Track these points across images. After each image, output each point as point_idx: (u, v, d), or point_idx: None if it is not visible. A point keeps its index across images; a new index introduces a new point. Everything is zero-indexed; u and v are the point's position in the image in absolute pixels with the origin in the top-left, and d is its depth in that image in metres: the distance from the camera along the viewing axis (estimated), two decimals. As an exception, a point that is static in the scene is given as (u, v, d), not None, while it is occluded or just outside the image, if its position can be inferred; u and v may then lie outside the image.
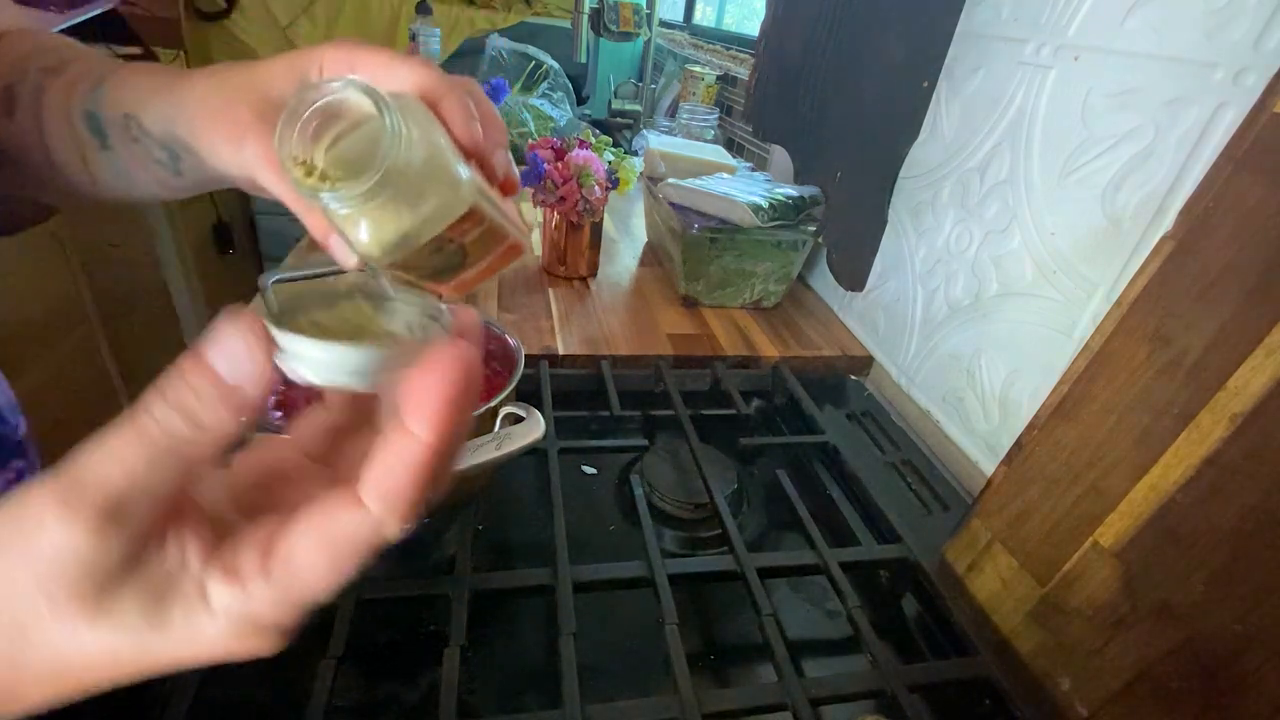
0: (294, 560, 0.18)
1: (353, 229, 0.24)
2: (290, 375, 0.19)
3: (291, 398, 0.43)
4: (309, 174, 0.23)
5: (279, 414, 0.41)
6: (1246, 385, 0.31)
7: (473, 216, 0.26)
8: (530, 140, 1.10)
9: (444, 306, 0.22)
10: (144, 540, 0.17)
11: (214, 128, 0.29)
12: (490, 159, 0.28)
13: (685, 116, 1.20)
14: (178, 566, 0.17)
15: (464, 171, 0.25)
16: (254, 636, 0.18)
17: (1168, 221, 0.42)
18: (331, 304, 0.23)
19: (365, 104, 0.23)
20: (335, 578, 0.18)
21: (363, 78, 0.23)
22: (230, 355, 0.18)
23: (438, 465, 0.18)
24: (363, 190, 0.22)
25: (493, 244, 0.28)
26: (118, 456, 0.17)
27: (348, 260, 0.27)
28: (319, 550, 0.18)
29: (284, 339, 0.18)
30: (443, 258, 0.26)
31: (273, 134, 0.26)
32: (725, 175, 0.86)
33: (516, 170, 0.29)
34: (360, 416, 0.23)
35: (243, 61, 0.30)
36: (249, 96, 0.28)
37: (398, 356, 0.19)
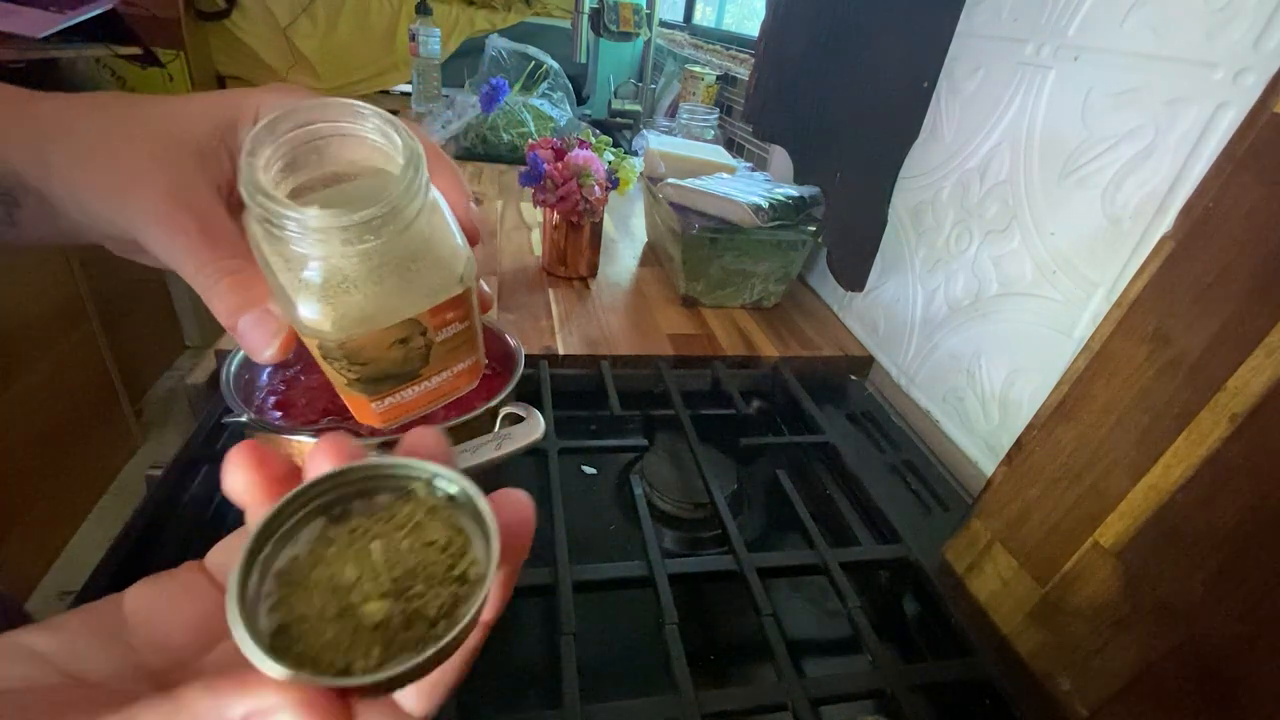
0: None
1: (302, 291, 0.18)
2: None
3: (291, 398, 0.43)
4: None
5: (278, 414, 0.41)
6: (1246, 385, 0.31)
7: (462, 304, 0.21)
8: (530, 140, 1.10)
9: (459, 481, 0.16)
10: None
11: (87, 168, 0.22)
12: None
13: (685, 116, 1.20)
14: None
15: (464, 247, 0.21)
16: None
17: (1168, 221, 0.42)
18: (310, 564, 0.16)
19: (375, 140, 0.19)
20: None
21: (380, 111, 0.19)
22: None
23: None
24: (360, 221, 0.17)
25: (460, 354, 0.23)
26: None
27: (266, 346, 0.21)
28: None
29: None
30: (402, 356, 0.21)
31: (171, 184, 0.20)
32: (725, 175, 0.86)
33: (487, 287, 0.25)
34: None
35: (146, 95, 0.24)
36: (148, 133, 0.22)
37: (472, 611, 0.15)
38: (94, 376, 1.43)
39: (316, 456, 0.17)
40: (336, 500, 0.17)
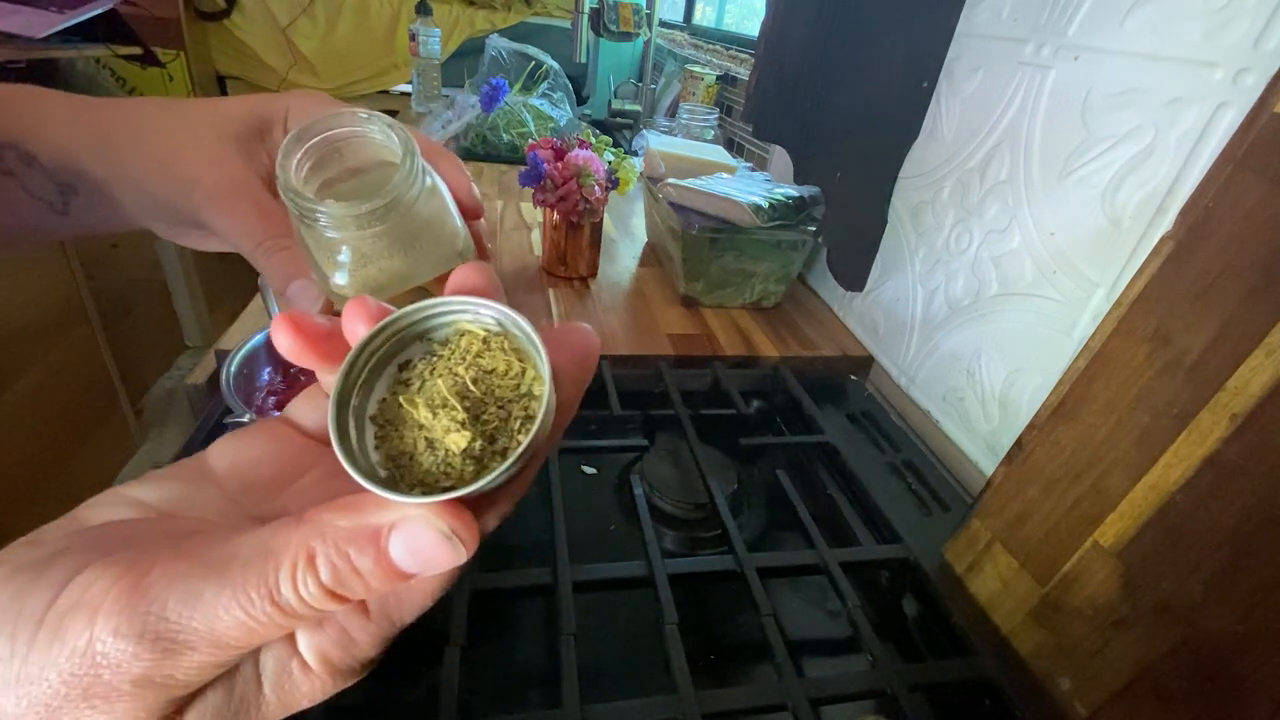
0: (398, 593, 0.17)
1: (332, 265, 0.22)
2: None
3: (291, 398, 0.43)
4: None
5: (279, 414, 0.41)
6: (1246, 385, 0.31)
7: None
8: (530, 140, 1.10)
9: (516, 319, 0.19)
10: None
11: (155, 162, 0.26)
12: (476, 228, 0.27)
13: (685, 116, 1.20)
14: (260, 649, 0.16)
15: (462, 227, 0.25)
16: (351, 676, 0.18)
17: (1168, 221, 0.42)
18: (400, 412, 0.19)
19: (380, 140, 0.22)
20: (435, 598, 0.18)
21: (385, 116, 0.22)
22: (417, 549, 0.15)
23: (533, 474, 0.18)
24: (368, 210, 0.21)
25: None
26: (235, 617, 0.14)
27: (311, 308, 0.25)
28: (424, 578, 0.17)
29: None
30: None
31: (229, 176, 0.25)
32: (725, 175, 0.86)
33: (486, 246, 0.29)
34: None
35: (191, 99, 0.28)
36: (203, 133, 0.26)
37: (550, 417, 0.17)
38: (94, 376, 1.43)
39: (350, 320, 0.19)
40: (398, 346, 0.19)
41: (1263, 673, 0.30)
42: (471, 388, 0.18)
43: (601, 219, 0.81)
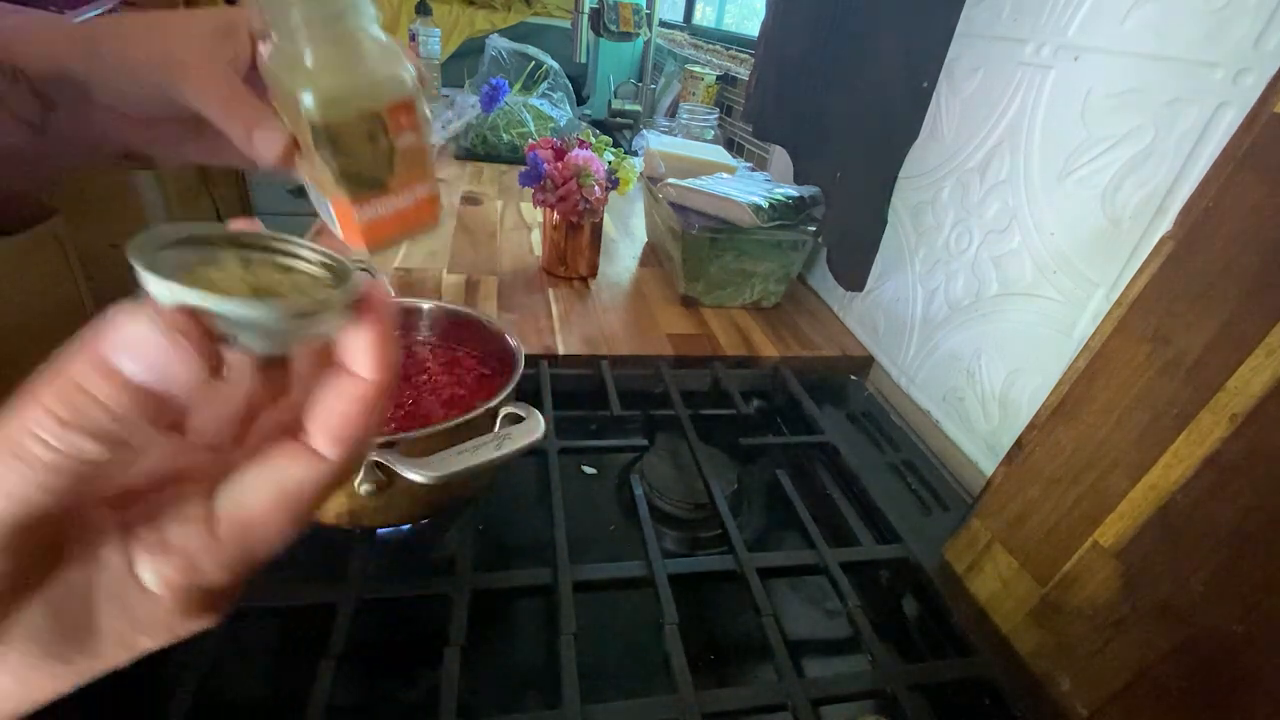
0: (245, 516, 0.17)
1: (298, 78, 0.24)
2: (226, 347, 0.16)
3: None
4: None
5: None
6: (1246, 385, 0.31)
7: (412, 110, 0.27)
8: (530, 140, 1.10)
9: (345, 261, 0.21)
10: (36, 559, 0.15)
11: (138, 48, 0.29)
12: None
13: (685, 116, 1.20)
14: (89, 563, 0.16)
15: (412, 69, 0.27)
16: (202, 606, 0.17)
17: (1168, 221, 0.42)
18: (222, 264, 0.20)
19: None
20: (290, 529, 0.17)
21: None
22: (140, 351, 0.15)
23: (382, 404, 0.18)
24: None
25: (417, 172, 0.28)
26: None
27: (272, 151, 0.28)
28: (274, 503, 0.17)
29: (208, 301, 0.15)
30: (373, 154, 0.26)
31: (203, 56, 0.28)
32: (725, 175, 0.86)
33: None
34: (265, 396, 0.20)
35: (166, 10, 0.31)
36: (179, 25, 0.30)
37: (327, 307, 0.18)
38: (94, 376, 1.43)
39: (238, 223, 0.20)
40: (244, 247, 0.20)
41: (1263, 673, 0.30)
42: (273, 272, 0.20)
43: (601, 219, 0.81)
